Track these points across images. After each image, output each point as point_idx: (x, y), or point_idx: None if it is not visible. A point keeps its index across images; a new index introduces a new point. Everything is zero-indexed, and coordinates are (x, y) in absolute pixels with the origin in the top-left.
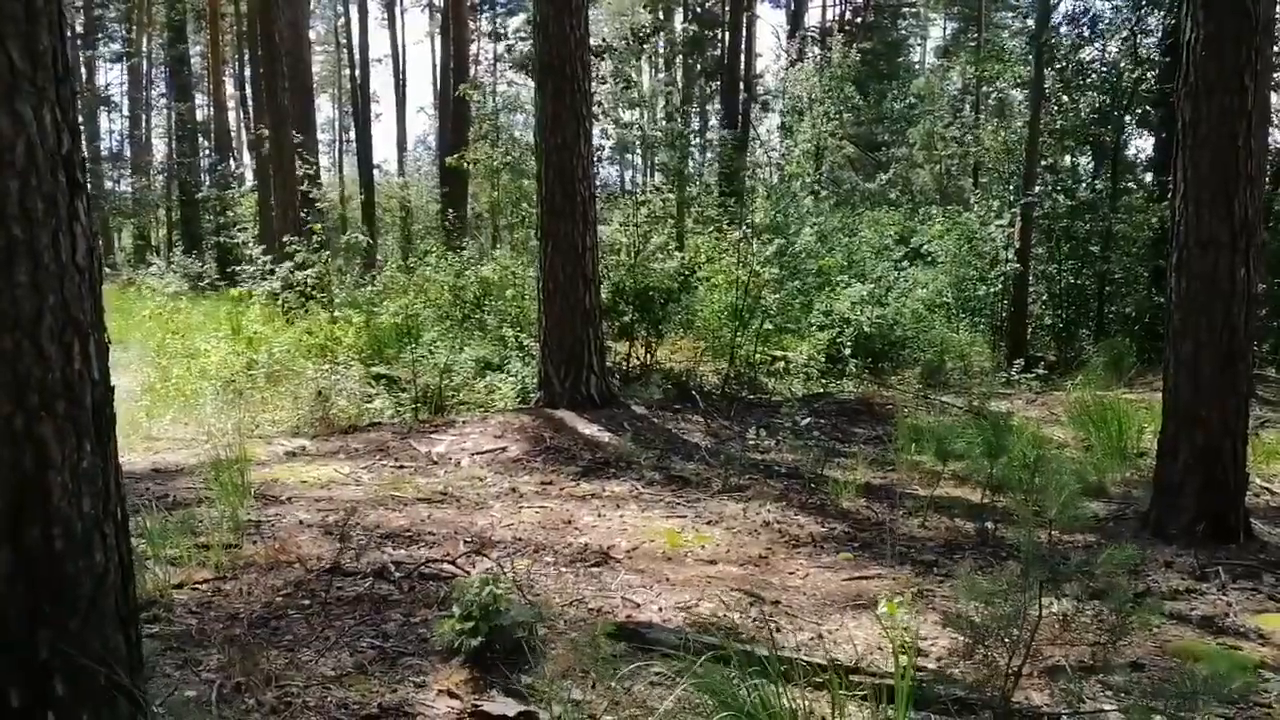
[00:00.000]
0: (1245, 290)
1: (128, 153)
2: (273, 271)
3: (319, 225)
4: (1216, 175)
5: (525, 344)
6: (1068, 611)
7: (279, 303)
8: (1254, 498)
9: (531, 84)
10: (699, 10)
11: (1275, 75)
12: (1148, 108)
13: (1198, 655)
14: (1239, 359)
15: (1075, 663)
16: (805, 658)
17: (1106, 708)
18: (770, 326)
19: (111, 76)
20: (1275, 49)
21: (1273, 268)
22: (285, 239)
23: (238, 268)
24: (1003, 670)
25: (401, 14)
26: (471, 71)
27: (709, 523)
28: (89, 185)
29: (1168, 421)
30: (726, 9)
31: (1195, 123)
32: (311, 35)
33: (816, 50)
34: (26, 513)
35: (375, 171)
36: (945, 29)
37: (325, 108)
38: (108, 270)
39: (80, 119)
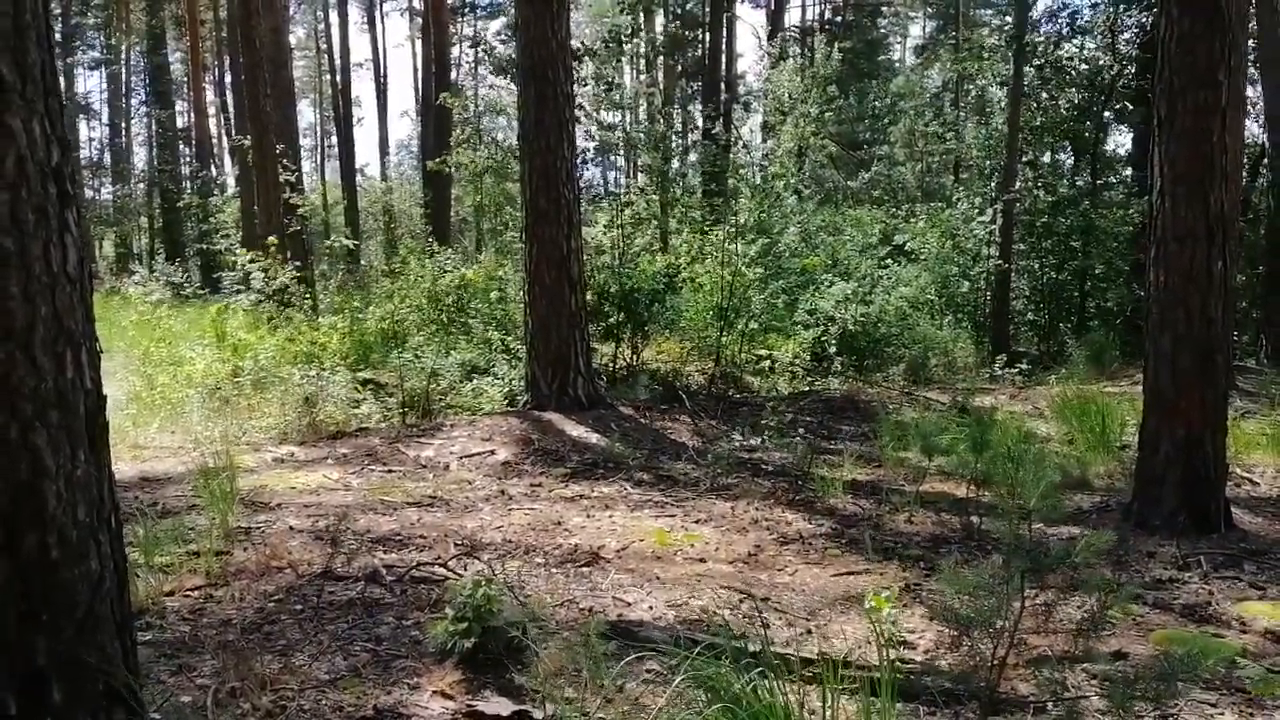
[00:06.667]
0: (1222, 283)
1: (108, 160)
2: (252, 283)
3: (291, 231)
4: (1192, 171)
5: (511, 347)
6: (1051, 602)
7: (262, 309)
8: (1235, 488)
9: (513, 87)
10: (680, 11)
11: (1250, 69)
12: (1127, 103)
13: (1180, 643)
14: (1217, 351)
15: (1060, 652)
16: (796, 652)
17: (1089, 694)
18: (755, 326)
19: (91, 84)
20: (1250, 43)
21: (1252, 260)
22: (267, 245)
23: (221, 274)
24: (988, 661)
25: (382, 18)
26: (453, 75)
27: (698, 521)
28: (78, 196)
29: (1148, 414)
30: (706, 10)
31: (1171, 119)
32: (292, 40)
33: (797, 50)
34: (23, 521)
35: (358, 176)
36: (925, 27)
37: (307, 113)
38: None
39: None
